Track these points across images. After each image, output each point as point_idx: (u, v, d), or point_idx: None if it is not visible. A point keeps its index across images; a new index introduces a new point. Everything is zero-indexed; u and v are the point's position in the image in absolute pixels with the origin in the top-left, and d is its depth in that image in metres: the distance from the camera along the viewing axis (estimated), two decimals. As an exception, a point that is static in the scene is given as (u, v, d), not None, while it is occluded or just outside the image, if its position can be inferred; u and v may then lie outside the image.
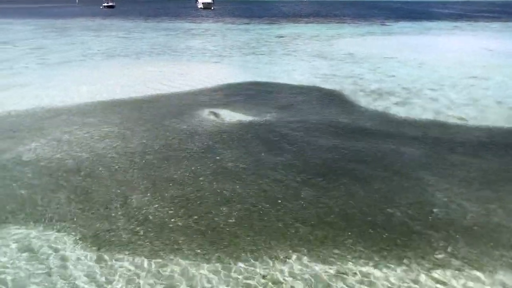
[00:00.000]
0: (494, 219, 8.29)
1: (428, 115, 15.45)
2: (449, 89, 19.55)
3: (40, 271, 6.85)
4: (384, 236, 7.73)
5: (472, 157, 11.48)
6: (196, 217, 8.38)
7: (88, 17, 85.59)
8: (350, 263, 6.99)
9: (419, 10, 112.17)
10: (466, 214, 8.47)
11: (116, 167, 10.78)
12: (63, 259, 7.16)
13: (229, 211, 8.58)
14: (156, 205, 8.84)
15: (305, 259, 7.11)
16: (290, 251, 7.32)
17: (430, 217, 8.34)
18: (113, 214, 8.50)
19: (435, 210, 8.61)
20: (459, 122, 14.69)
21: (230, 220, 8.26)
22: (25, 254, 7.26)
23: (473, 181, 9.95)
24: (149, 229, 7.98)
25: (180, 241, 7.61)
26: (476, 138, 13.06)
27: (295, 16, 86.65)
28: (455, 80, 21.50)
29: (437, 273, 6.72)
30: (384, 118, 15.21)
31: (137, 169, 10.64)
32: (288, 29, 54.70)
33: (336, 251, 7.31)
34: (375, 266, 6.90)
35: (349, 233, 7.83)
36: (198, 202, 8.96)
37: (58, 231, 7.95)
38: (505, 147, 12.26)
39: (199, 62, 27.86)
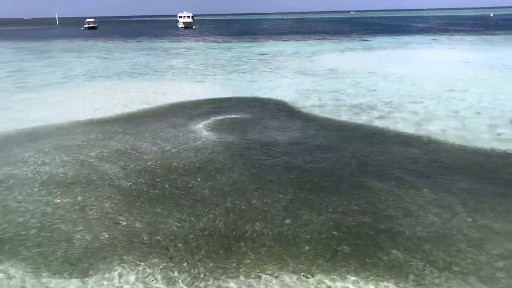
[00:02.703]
0: (473, 234, 8.37)
1: (409, 129, 15.64)
2: (429, 102, 19.86)
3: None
4: (370, 254, 7.74)
5: (452, 171, 11.62)
6: (171, 238, 8.28)
7: (69, 38, 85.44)
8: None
9: (396, 25, 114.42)
10: (450, 230, 8.54)
11: (95, 188, 10.63)
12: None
13: (209, 234, 8.50)
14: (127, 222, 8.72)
15: (289, 277, 7.06)
16: (279, 270, 7.27)
17: (413, 234, 8.37)
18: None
19: (418, 227, 8.65)
20: (440, 134, 14.88)
21: (212, 238, 8.18)
22: None
23: (457, 195, 10.06)
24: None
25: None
26: (457, 149, 13.23)
27: (276, 33, 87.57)
28: (435, 93, 21.86)
29: None
30: (367, 132, 15.34)
31: (115, 191, 10.51)
32: (270, 46, 55.21)
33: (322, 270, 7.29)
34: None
35: (340, 250, 7.82)
36: (175, 225, 8.86)
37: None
38: (486, 156, 12.46)
39: (181, 81, 27.88)
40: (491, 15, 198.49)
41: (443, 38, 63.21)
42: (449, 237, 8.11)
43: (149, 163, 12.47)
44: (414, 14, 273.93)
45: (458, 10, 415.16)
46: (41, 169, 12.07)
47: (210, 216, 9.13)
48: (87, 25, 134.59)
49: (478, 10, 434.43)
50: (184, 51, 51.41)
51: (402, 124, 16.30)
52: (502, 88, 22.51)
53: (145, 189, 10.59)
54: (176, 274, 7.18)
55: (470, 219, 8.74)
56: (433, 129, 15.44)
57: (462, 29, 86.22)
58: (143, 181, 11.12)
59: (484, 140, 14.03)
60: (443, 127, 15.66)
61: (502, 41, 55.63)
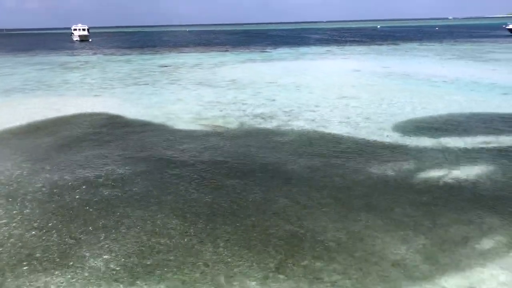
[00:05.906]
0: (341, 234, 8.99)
1: (307, 135, 16.39)
2: (324, 110, 20.95)
3: None
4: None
5: (349, 170, 12.40)
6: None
7: None
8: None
9: (294, 37, 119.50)
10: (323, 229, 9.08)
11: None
12: None
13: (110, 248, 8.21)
14: None
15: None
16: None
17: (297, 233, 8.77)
18: None
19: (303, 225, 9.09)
20: (335, 139, 15.78)
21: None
22: None
23: (349, 194, 10.73)
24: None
25: None
26: (349, 153, 14.11)
27: (178, 45, 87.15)
28: (330, 101, 23.15)
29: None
30: (268, 140, 15.78)
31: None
32: (171, 58, 54.77)
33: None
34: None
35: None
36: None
37: None
38: (374, 157, 13.44)
39: (77, 96, 26.59)
40: (378, 27, 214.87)
41: (336, 48, 67.22)
42: (332, 231, 8.63)
43: (37, 185, 11.69)
44: (313, 26, 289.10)
45: (349, 23, 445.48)
46: None
47: (124, 230, 8.80)
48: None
49: (367, 22, 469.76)
50: (81, 64, 49.12)
51: (300, 130, 17.06)
52: (388, 94, 24.46)
53: (30, 215, 9.92)
54: None
55: (359, 217, 9.38)
56: (328, 135, 16.33)
57: (353, 40, 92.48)
58: (28, 207, 10.41)
59: (373, 143, 15.14)
60: (338, 132, 16.63)
61: (388, 50, 60.56)
